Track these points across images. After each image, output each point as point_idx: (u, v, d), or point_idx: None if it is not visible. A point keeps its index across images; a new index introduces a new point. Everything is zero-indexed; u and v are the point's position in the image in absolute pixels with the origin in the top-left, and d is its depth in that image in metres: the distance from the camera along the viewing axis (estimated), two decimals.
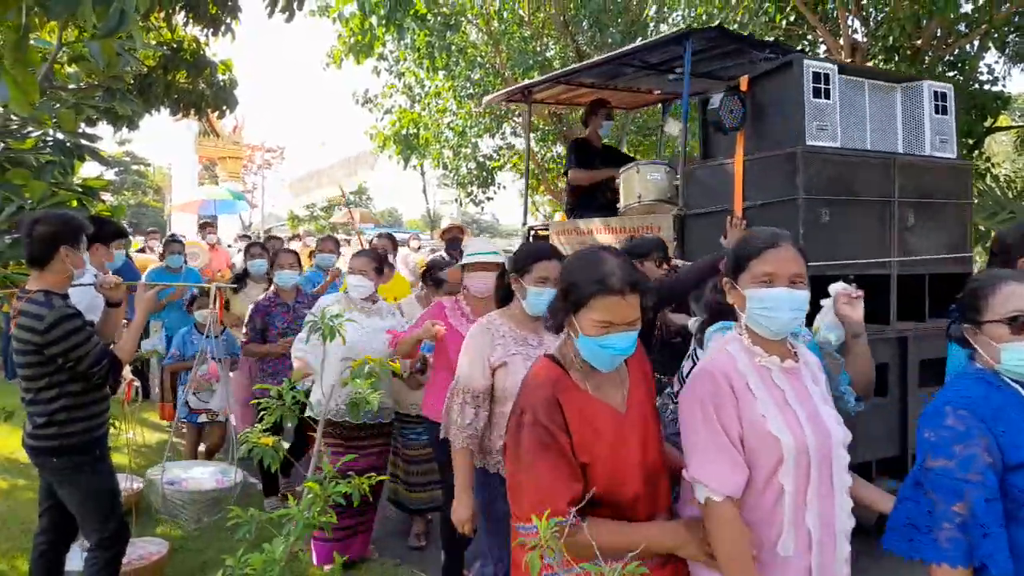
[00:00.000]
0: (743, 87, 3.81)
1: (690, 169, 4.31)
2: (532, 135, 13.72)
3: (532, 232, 5.82)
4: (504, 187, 15.57)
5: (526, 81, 5.88)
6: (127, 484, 3.69)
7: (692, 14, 10.97)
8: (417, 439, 3.98)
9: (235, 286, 5.41)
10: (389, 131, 13.26)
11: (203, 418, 4.89)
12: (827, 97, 3.68)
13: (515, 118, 13.73)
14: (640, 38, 11.19)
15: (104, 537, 2.76)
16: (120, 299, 2.97)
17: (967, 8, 8.21)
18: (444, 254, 5.25)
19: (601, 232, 4.77)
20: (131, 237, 10.94)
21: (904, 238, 3.82)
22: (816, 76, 3.64)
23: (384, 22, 8.94)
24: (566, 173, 5.51)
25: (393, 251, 9.79)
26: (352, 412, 2.24)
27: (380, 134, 13.30)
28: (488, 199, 15.53)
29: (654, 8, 10.37)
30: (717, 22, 8.62)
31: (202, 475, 3.58)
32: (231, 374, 4.87)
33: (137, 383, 4.43)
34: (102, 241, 3.59)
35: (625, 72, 5.47)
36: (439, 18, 10.07)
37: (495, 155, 15.11)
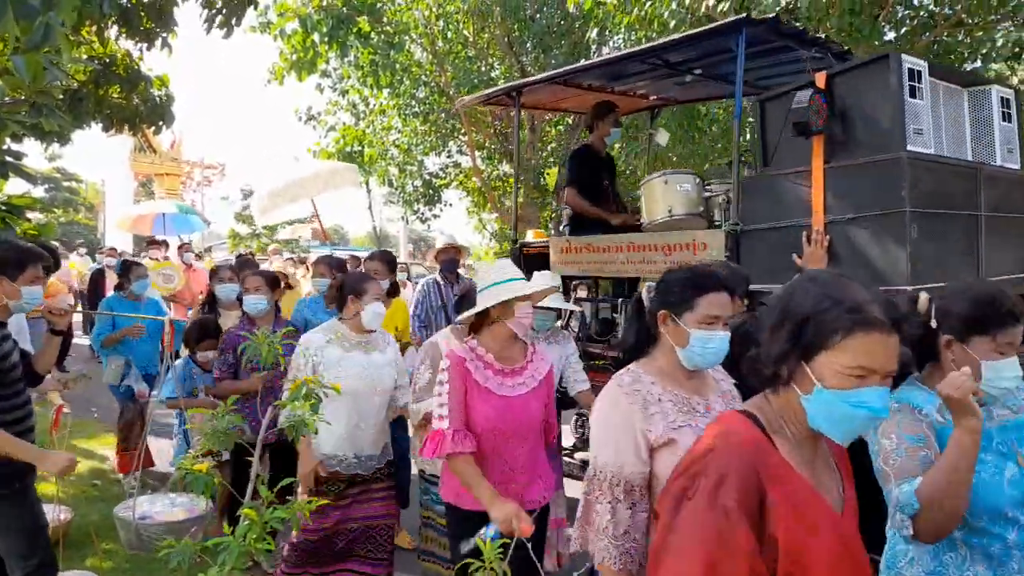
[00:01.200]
0: (820, 84, 3.29)
1: (748, 178, 3.79)
2: (477, 153, 13.81)
3: (522, 250, 5.24)
4: (451, 204, 15.60)
5: (515, 82, 5.39)
6: (54, 515, 3.54)
7: (632, 37, 11.23)
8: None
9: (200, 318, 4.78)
10: (333, 148, 13.15)
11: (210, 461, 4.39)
12: (920, 97, 3.17)
13: (461, 136, 13.79)
14: (583, 59, 11.41)
15: (27, 572, 2.63)
16: (65, 327, 2.89)
17: (890, 36, 8.63)
18: (439, 278, 4.87)
19: (625, 250, 4.25)
20: (62, 256, 10.43)
21: (988, 255, 3.44)
22: (911, 73, 3.15)
23: (327, 39, 8.89)
24: (564, 187, 4.98)
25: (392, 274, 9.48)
26: (290, 434, 2.18)
27: (324, 151, 13.18)
28: (435, 216, 15.54)
29: (595, 31, 10.57)
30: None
31: (171, 507, 3.53)
32: None
33: (67, 409, 4.24)
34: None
35: (632, 72, 4.93)
36: (383, 36, 10.08)
37: (441, 172, 15.14)
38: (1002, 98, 3.62)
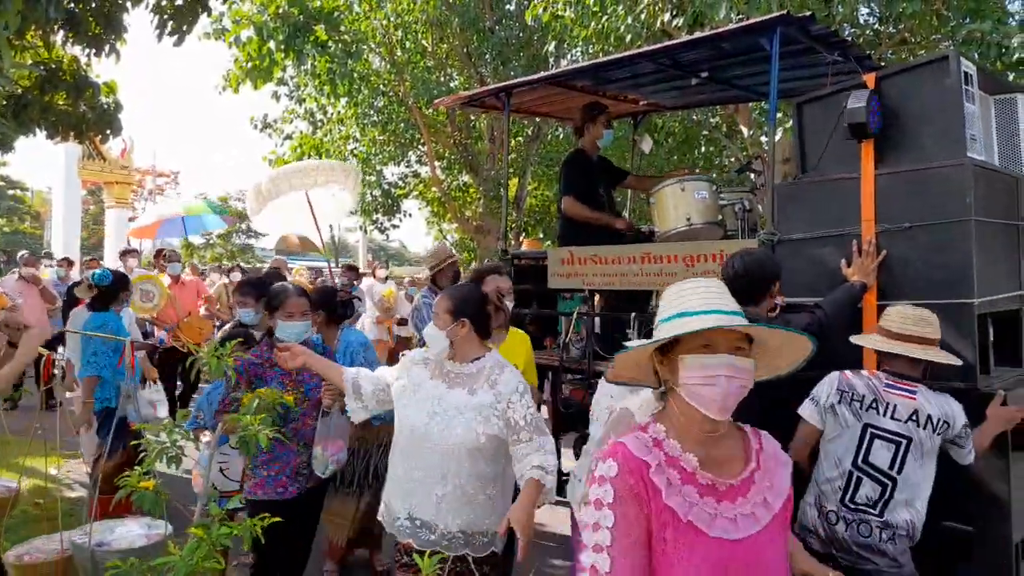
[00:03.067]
0: (870, 86, 3.08)
1: (785, 185, 3.55)
2: (437, 163, 13.78)
3: (513, 262, 4.91)
4: (410, 215, 15.53)
5: (504, 83, 5.17)
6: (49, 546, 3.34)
7: (589, 51, 11.36)
8: None
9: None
10: (290, 156, 12.98)
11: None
12: (973, 102, 2.99)
13: (420, 146, 13.75)
14: (542, 71, 11.50)
15: None
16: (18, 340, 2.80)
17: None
18: (431, 291, 4.36)
19: (639, 261, 3.95)
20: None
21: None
22: (966, 77, 2.96)
23: (283, 47, 8.79)
24: (561, 195, 4.71)
25: (358, 281, 9.12)
26: (243, 448, 2.14)
27: (280, 160, 12.99)
28: (394, 226, 15.41)
29: (553, 44, 10.68)
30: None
31: (130, 532, 3.37)
32: None
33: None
34: None
35: (628, 76, 4.71)
36: (340, 45, 10.00)
37: (400, 182, 15.06)
38: None
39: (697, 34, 4.38)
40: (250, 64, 9.62)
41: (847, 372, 2.59)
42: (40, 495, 5.05)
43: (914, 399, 2.43)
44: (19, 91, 5.39)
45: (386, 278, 9.11)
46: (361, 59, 11.13)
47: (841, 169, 3.17)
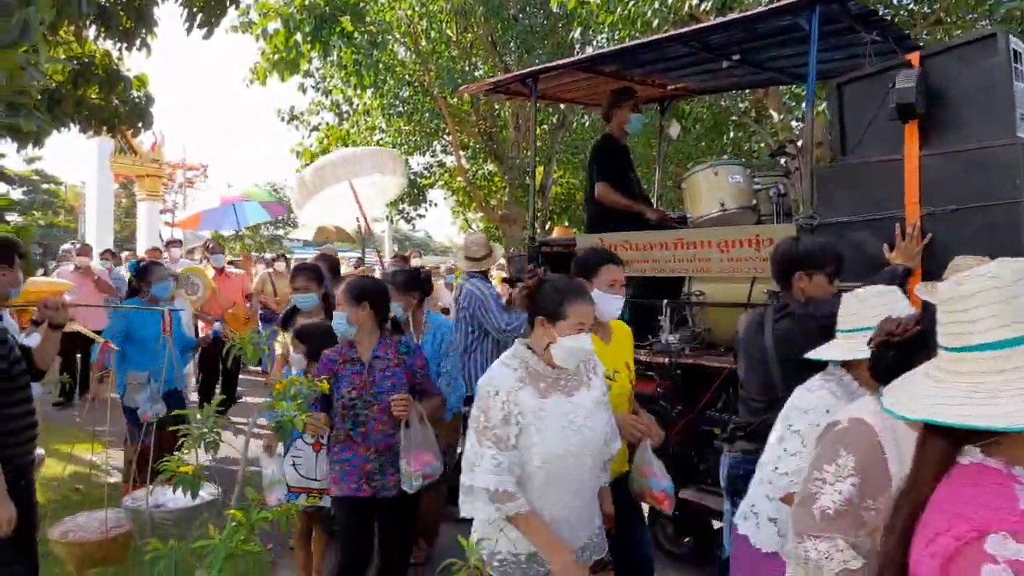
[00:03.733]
0: (914, 65, 3.00)
1: (824, 168, 3.49)
2: (462, 153, 13.77)
3: (541, 249, 4.85)
4: (436, 204, 15.59)
5: (530, 68, 5.07)
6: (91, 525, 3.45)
7: (615, 37, 11.25)
8: None
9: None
10: (316, 148, 13.07)
11: (307, 499, 3.37)
12: (1021, 80, 2.90)
13: (445, 136, 13.75)
14: (567, 58, 11.41)
15: None
16: (63, 321, 2.86)
17: None
18: (484, 291, 4.43)
19: (672, 247, 3.90)
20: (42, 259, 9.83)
21: None
22: (1015, 55, 2.88)
23: (310, 39, 8.83)
24: (595, 181, 4.59)
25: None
26: (278, 434, 2.16)
27: (307, 151, 13.09)
28: (420, 216, 15.48)
29: (579, 31, 10.59)
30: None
31: (178, 494, 3.48)
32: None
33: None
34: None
35: (656, 59, 4.60)
36: (366, 36, 10.02)
37: (426, 172, 15.09)
38: None
39: (734, 14, 4.28)
40: (277, 56, 9.68)
41: None
42: (81, 481, 5.19)
43: None
44: (52, 86, 5.47)
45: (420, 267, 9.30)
46: (386, 49, 11.15)
47: (883, 151, 3.10)
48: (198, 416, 2.00)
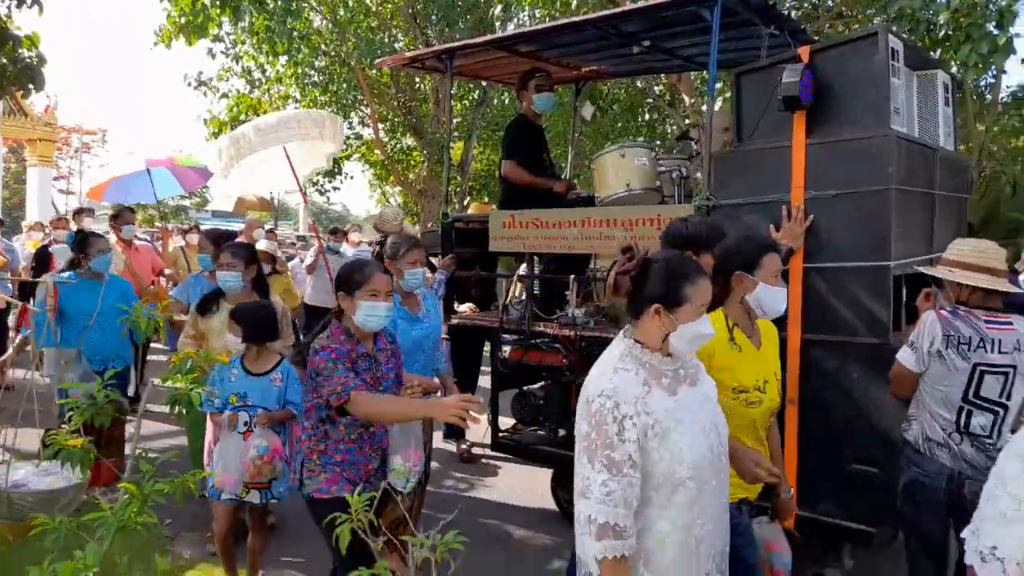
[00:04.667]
0: (804, 59, 3.21)
1: (721, 153, 3.67)
2: (380, 126, 13.55)
3: (453, 224, 4.87)
4: (352, 177, 15.30)
5: (448, 44, 5.01)
6: None
7: (537, 14, 11.29)
8: None
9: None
10: (226, 116, 12.57)
11: (250, 495, 3.16)
12: (898, 77, 3.16)
13: (362, 108, 13.48)
14: (488, 35, 11.38)
15: None
16: None
17: None
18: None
19: (579, 225, 4.04)
20: None
21: (937, 235, 3.52)
22: (893, 52, 3.12)
23: (219, 3, 8.45)
24: (502, 159, 4.73)
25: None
26: (172, 409, 2.12)
27: (215, 119, 12.58)
28: (335, 189, 15.18)
29: (500, 8, 10.58)
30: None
31: (48, 473, 3.31)
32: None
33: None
34: None
35: (571, 42, 4.68)
36: (280, 2, 9.66)
37: (343, 145, 14.78)
38: (945, 83, 3.70)
39: (640, 2, 4.40)
40: (183, 19, 9.20)
41: (944, 313, 2.61)
42: None
43: (1013, 329, 2.54)
44: None
45: (359, 243, 8.89)
46: (301, 17, 10.78)
47: (775, 138, 3.31)
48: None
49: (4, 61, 5.60)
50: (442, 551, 1.30)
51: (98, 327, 4.07)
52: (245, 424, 3.15)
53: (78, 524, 1.90)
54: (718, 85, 6.01)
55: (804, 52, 3.26)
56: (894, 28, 8.72)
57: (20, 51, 5.64)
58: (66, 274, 4.37)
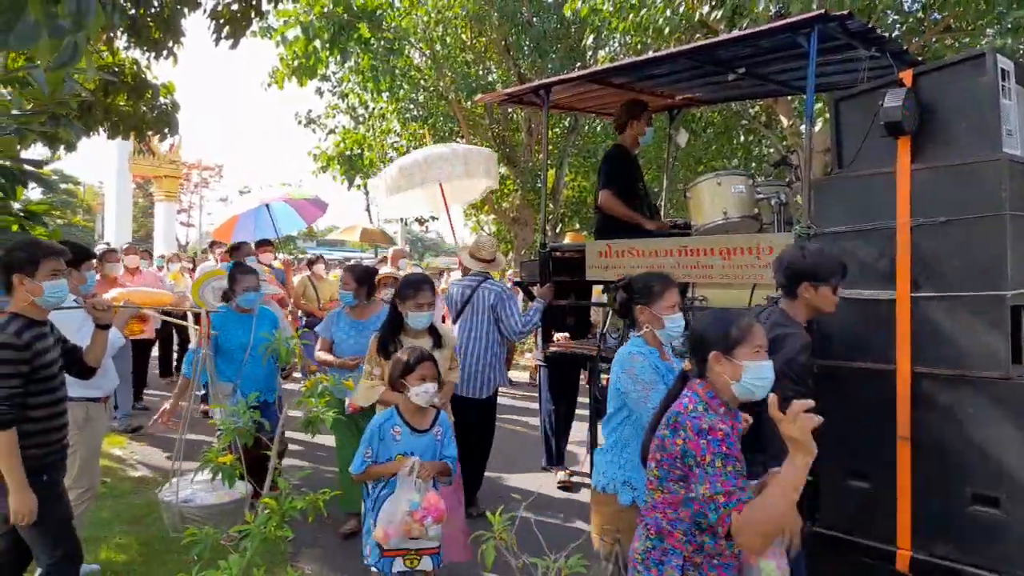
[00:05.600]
0: (907, 83, 3.15)
1: (822, 180, 3.66)
2: None
3: (551, 254, 5.04)
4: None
5: (544, 80, 5.23)
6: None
7: (627, 42, 11.39)
8: None
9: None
10: (333, 151, 13.30)
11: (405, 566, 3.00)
12: (1009, 98, 3.05)
13: (458, 139, 13.92)
14: (578, 64, 11.57)
15: (52, 563, 2.77)
16: (110, 321, 3.04)
17: None
18: (503, 296, 4.66)
19: (676, 254, 4.08)
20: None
21: None
22: (1003, 73, 3.03)
23: (328, 46, 9.02)
24: (600, 188, 4.83)
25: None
26: (306, 429, 2.33)
27: (324, 154, 13.32)
28: (433, 218, 15.67)
29: (592, 38, 10.73)
30: (665, 51, 8.94)
31: (213, 489, 3.65)
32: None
33: None
34: (72, 265, 3.60)
35: (665, 71, 4.77)
36: (383, 42, 10.22)
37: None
38: None
39: (736, 30, 4.42)
40: (296, 62, 9.88)
41: None
42: (108, 475, 5.39)
43: None
44: (84, 95, 5.69)
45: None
46: (403, 55, 11.33)
47: (877, 164, 3.23)
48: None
49: (144, 109, 6.21)
50: (566, 573, 1.39)
51: (252, 360, 4.23)
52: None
53: (226, 534, 2.11)
54: (817, 105, 5.85)
55: (907, 76, 3.19)
56: (1010, 40, 8.30)
57: (158, 99, 6.24)
58: (220, 307, 4.46)
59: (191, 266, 9.51)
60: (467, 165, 6.09)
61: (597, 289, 5.70)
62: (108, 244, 8.72)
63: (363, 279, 4.43)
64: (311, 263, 9.28)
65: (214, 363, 4.04)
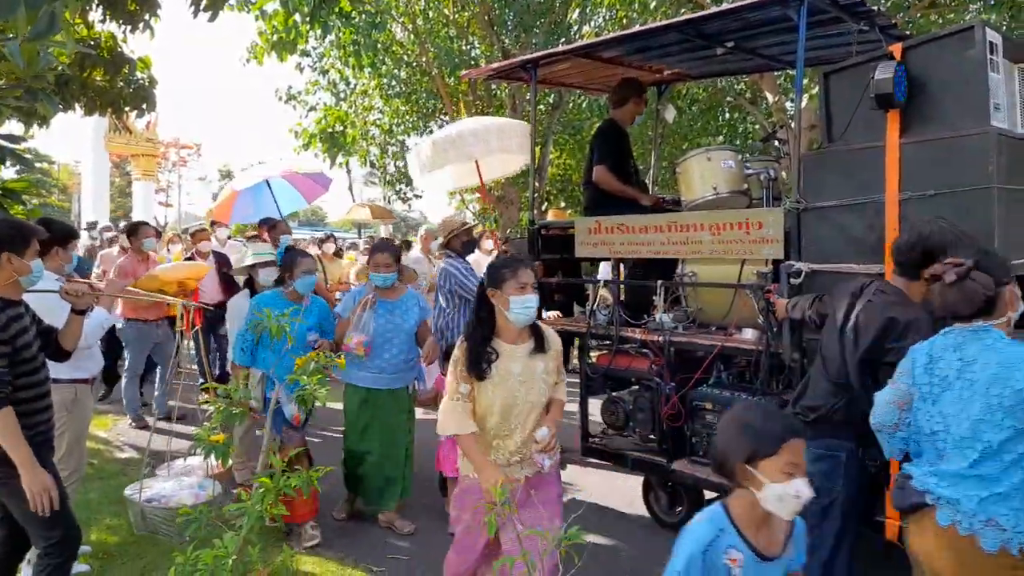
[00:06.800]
0: (896, 56, 3.12)
1: (811, 154, 3.64)
2: None
3: (540, 232, 5.02)
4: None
5: (531, 55, 5.10)
6: None
7: (612, 16, 11.30)
8: None
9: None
10: (314, 128, 13.12)
11: None
12: (997, 71, 3.04)
13: (442, 116, 13.79)
14: (563, 39, 11.46)
15: (50, 544, 2.73)
16: (86, 306, 2.97)
17: None
18: (457, 266, 4.65)
19: (665, 230, 4.05)
20: None
21: None
22: (991, 46, 3.01)
23: (308, 19, 8.83)
24: (594, 164, 4.75)
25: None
26: (299, 407, 2.31)
27: (305, 131, 13.14)
28: (416, 196, 15.56)
29: (577, 12, 10.65)
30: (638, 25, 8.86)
31: (179, 489, 3.62)
32: None
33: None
34: (58, 244, 3.52)
35: (654, 45, 4.69)
36: (364, 16, 10.04)
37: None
38: None
39: (725, 4, 4.38)
40: (275, 36, 9.67)
41: None
42: (95, 456, 5.34)
43: None
44: (60, 69, 5.54)
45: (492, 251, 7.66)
46: (385, 30, 11.15)
47: (867, 138, 3.24)
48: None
49: (121, 84, 6.07)
50: (566, 543, 1.39)
51: (294, 350, 3.70)
52: None
53: (218, 516, 2.10)
54: (804, 81, 5.84)
55: (896, 49, 3.19)
56: (994, 16, 8.31)
57: (135, 74, 6.10)
58: (269, 293, 4.17)
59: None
60: (501, 140, 6.05)
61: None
62: (144, 221, 7.76)
63: (399, 257, 4.25)
64: (321, 242, 8.92)
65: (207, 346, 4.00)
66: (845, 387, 2.65)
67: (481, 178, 6.58)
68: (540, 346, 2.72)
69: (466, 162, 6.37)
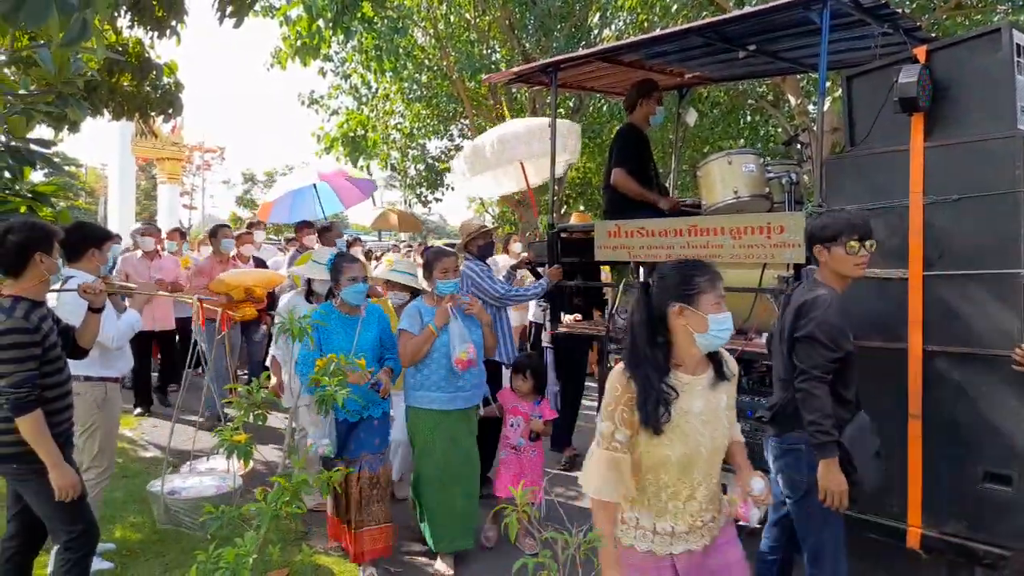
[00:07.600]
0: (921, 59, 3.10)
1: (833, 158, 3.64)
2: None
3: (559, 235, 5.07)
4: (452, 188, 15.70)
5: (552, 58, 5.13)
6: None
7: (633, 20, 11.27)
8: None
9: None
10: (336, 132, 13.23)
11: None
12: (1022, 74, 2.99)
13: (462, 120, 13.84)
14: (583, 43, 11.45)
15: (71, 538, 2.80)
16: (102, 305, 3.04)
17: None
18: (475, 268, 4.63)
19: (686, 234, 4.05)
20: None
21: None
22: (1018, 49, 2.96)
23: (331, 25, 8.93)
24: (612, 167, 4.75)
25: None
26: (319, 410, 2.33)
27: (327, 135, 13.26)
28: (436, 200, 15.63)
29: (597, 15, 10.64)
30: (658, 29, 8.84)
31: (201, 483, 3.68)
32: None
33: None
34: (94, 246, 3.61)
35: (675, 49, 4.71)
36: (386, 21, 10.12)
37: (443, 156, 15.22)
38: None
39: (746, 7, 4.36)
40: (299, 42, 9.78)
41: None
42: (119, 455, 5.43)
43: None
44: (89, 75, 5.65)
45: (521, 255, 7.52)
46: (407, 35, 11.23)
47: (890, 141, 3.22)
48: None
49: (148, 89, 6.17)
50: (586, 547, 1.40)
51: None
52: None
53: (238, 513, 2.13)
54: (826, 84, 5.79)
55: (920, 52, 3.16)
56: (1022, 17, 8.16)
57: (161, 79, 6.20)
58: (321, 310, 3.70)
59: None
60: (543, 142, 5.93)
61: (606, 269, 5.69)
62: (221, 223, 7.63)
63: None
64: (349, 245, 8.70)
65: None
66: (789, 381, 2.68)
67: (527, 180, 6.46)
68: (720, 372, 2.12)
69: (509, 165, 6.33)
